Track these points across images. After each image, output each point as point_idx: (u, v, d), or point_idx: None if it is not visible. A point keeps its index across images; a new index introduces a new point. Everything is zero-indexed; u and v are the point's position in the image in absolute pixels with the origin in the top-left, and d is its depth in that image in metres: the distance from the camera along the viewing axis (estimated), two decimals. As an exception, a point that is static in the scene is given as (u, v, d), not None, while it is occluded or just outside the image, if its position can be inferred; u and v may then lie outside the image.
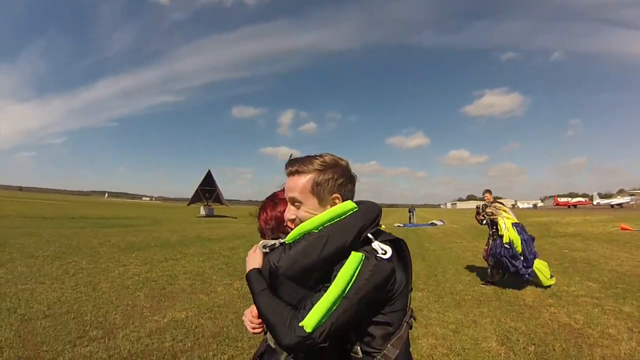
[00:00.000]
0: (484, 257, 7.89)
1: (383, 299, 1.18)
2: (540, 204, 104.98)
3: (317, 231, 1.19)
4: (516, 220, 7.31)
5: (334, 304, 1.08)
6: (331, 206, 1.28)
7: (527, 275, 6.78)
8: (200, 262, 9.25)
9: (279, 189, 1.57)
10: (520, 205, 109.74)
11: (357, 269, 1.12)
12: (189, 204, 47.44)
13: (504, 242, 6.96)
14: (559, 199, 79.42)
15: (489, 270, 7.50)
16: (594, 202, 66.05)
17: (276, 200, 1.57)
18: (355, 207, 1.23)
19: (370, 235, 1.21)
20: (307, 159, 1.31)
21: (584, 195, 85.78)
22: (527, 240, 7.00)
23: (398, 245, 1.26)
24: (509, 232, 6.99)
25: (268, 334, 1.36)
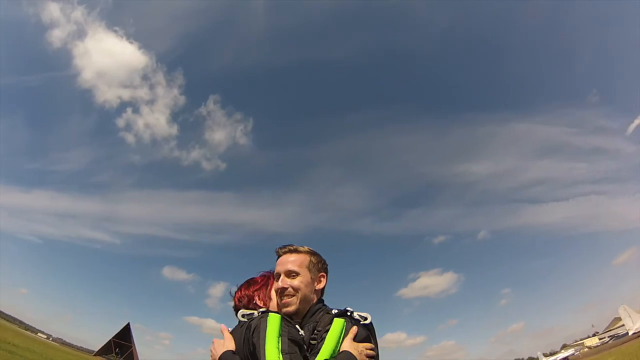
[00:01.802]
0: None
1: None
2: None
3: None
4: None
5: None
6: (317, 283, 1.68)
7: None
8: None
9: (257, 276, 1.92)
10: None
11: (342, 331, 1.43)
12: (95, 354, 39.14)
13: None
14: None
15: None
16: None
17: (251, 282, 1.90)
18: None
19: (349, 309, 1.56)
20: (299, 246, 1.74)
21: (529, 359, 77.40)
22: None
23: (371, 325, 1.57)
24: None
25: None
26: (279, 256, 1.71)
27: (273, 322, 1.51)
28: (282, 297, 1.61)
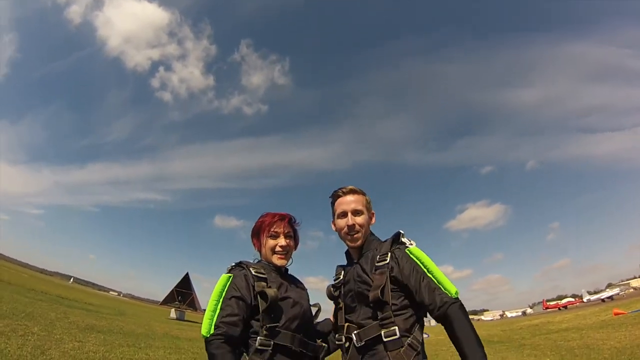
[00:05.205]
0: None
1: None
2: (529, 310, 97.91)
3: None
4: None
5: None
6: (371, 220, 1.91)
7: None
8: (166, 354, 8.01)
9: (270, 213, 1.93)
10: (508, 314, 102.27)
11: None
12: (161, 304, 43.59)
13: None
14: (547, 303, 73.16)
15: None
16: (584, 300, 61.18)
17: (260, 219, 1.94)
18: None
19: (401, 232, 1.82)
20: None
21: (573, 296, 78.46)
22: None
23: None
24: None
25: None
26: (340, 196, 1.90)
27: (217, 286, 1.66)
28: (350, 234, 1.82)
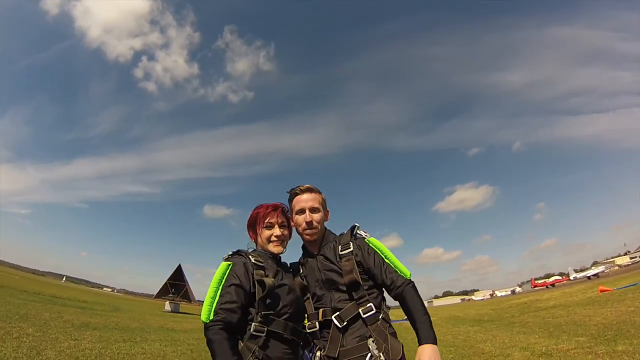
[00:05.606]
0: None
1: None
2: (518, 289, 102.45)
3: None
4: None
5: None
6: (326, 217, 2.07)
7: None
8: (162, 346, 8.08)
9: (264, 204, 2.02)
10: (498, 293, 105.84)
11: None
12: (155, 297, 43.61)
13: None
14: (535, 281, 75.59)
15: None
16: (571, 277, 63.99)
17: (255, 210, 2.02)
18: None
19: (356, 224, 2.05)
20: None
21: (560, 274, 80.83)
22: None
23: None
24: None
25: None
26: (297, 194, 2.01)
27: (217, 273, 1.73)
28: (308, 229, 1.94)
